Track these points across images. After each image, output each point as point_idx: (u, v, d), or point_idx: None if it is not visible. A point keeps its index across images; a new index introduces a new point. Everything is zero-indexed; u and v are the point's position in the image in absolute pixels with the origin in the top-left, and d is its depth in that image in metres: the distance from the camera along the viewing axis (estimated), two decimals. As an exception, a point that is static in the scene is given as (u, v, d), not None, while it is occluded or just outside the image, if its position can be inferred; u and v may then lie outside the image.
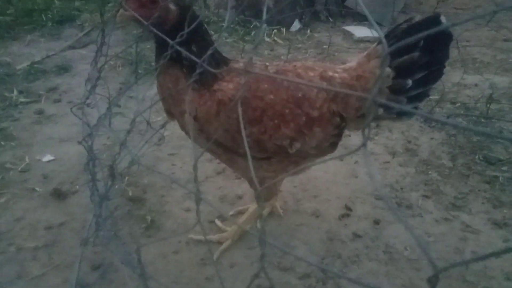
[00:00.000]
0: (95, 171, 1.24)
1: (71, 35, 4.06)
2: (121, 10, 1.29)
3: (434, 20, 1.35)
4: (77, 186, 2.10)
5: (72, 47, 3.85)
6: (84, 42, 3.94)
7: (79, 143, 1.28)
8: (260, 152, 1.46)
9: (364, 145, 0.58)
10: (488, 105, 2.57)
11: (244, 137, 0.83)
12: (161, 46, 1.38)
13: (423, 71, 1.41)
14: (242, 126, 0.83)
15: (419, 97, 1.47)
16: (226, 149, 1.46)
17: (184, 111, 1.42)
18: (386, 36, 1.44)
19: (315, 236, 1.83)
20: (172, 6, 1.33)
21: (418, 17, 1.41)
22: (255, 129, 1.40)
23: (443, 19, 1.34)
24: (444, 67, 1.43)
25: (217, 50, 1.47)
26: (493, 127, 2.53)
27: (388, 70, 1.43)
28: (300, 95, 1.44)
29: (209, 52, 0.99)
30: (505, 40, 3.87)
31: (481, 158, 2.28)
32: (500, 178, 2.13)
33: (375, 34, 4.06)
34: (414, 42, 1.35)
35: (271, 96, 1.40)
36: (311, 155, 1.54)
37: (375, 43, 1.54)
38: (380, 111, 1.49)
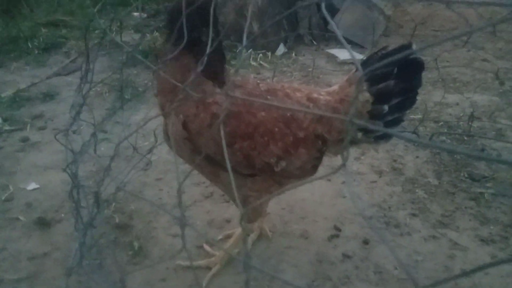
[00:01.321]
0: (80, 198, 1.22)
1: (57, 62, 4.07)
2: None
3: (406, 47, 1.44)
4: (62, 214, 2.06)
5: (57, 74, 3.84)
6: (70, 69, 3.94)
7: (63, 170, 1.27)
8: (247, 168, 1.47)
9: (343, 165, 0.59)
10: (470, 123, 2.63)
11: (226, 154, 0.83)
12: (178, 30, 1.24)
13: (399, 98, 1.49)
14: (224, 142, 0.84)
15: (395, 122, 1.54)
16: (212, 162, 1.46)
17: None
18: (364, 62, 1.54)
19: (304, 259, 1.82)
20: None
21: (392, 46, 1.51)
22: (246, 144, 1.42)
23: (414, 46, 1.43)
24: (417, 93, 1.52)
25: (224, 56, 1.51)
26: (475, 145, 2.58)
27: (367, 95, 1.50)
28: (289, 114, 1.48)
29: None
30: (483, 60, 4.00)
31: (465, 175, 2.31)
32: (485, 194, 2.16)
33: (358, 56, 4.16)
34: (391, 70, 1.45)
35: (263, 114, 1.44)
36: (294, 175, 1.56)
37: (354, 69, 1.61)
38: (359, 135, 1.55)
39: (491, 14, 4.98)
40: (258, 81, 1.58)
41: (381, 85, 1.48)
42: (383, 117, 1.52)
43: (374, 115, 1.52)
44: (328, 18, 0.61)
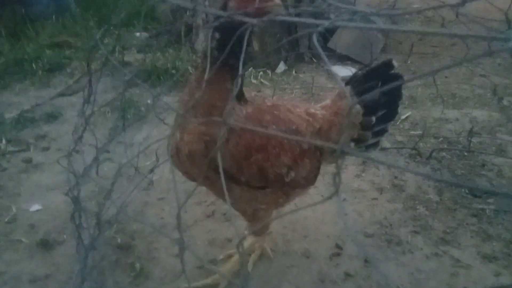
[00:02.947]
0: (82, 222, 1.23)
1: (61, 83, 4.13)
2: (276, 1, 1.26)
3: (387, 64, 1.62)
4: (65, 236, 2.07)
5: (61, 94, 3.90)
6: (74, 89, 4.00)
7: (65, 194, 1.29)
8: (261, 180, 1.53)
9: (336, 192, 0.60)
10: (469, 139, 2.65)
11: (221, 169, 0.86)
12: (222, 48, 1.32)
13: (384, 110, 1.67)
14: (220, 167, 0.87)
15: (381, 132, 1.72)
16: (226, 177, 1.47)
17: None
18: (351, 79, 1.71)
19: (306, 278, 1.81)
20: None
21: (375, 63, 1.72)
22: (260, 156, 1.48)
23: (395, 63, 1.60)
24: (398, 105, 1.70)
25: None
26: (476, 160, 2.59)
27: (358, 107, 1.66)
28: (294, 127, 1.57)
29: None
30: (481, 76, 4.03)
31: (466, 191, 2.31)
32: (487, 210, 2.16)
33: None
34: (375, 84, 1.63)
35: (274, 127, 1.52)
36: (300, 185, 1.65)
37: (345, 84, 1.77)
38: (352, 145, 1.71)
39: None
40: (265, 98, 1.67)
41: (368, 98, 1.64)
42: (372, 127, 1.68)
43: (364, 126, 1.68)
44: (321, 52, 0.63)
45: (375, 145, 1.75)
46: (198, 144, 1.43)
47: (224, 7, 1.37)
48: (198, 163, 1.47)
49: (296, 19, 0.75)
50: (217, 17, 1.08)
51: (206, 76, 1.30)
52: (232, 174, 1.48)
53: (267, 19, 0.84)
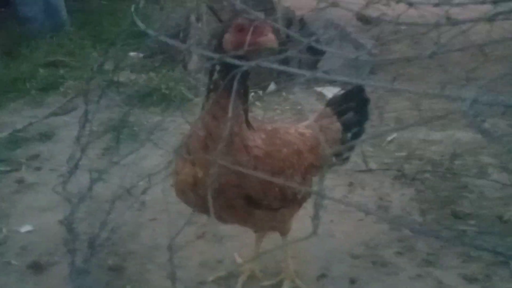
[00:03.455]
0: (76, 248, 1.28)
1: (55, 102, 4.18)
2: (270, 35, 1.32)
3: (360, 88, 2.00)
4: (56, 257, 2.09)
5: (55, 113, 3.94)
6: (68, 109, 4.05)
7: (60, 222, 1.33)
8: (281, 202, 1.62)
9: (314, 232, 0.67)
10: (451, 161, 2.74)
11: (210, 200, 0.93)
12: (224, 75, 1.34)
13: (357, 127, 2.00)
14: (210, 191, 0.95)
15: (352, 148, 2.05)
16: (249, 203, 1.54)
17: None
18: (331, 100, 2.09)
19: (294, 299, 1.86)
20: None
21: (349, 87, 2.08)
22: (281, 179, 1.57)
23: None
24: (365, 125, 2.05)
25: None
26: (458, 182, 2.68)
27: (338, 125, 1.95)
28: (296, 148, 1.69)
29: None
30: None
31: (449, 212, 2.39)
32: (468, 231, 2.24)
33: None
34: (351, 104, 1.99)
35: (285, 150, 1.62)
36: (305, 200, 1.78)
37: (325, 105, 2.09)
38: (333, 159, 1.95)
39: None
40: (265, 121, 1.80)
41: (345, 116, 1.99)
42: (347, 142, 1.97)
43: (343, 142, 1.96)
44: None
45: (347, 159, 2.07)
46: (229, 175, 1.43)
47: (221, 40, 1.43)
48: (228, 194, 1.49)
49: (281, 67, 0.83)
50: (211, 57, 1.14)
51: (230, 109, 1.31)
52: (256, 200, 1.54)
53: (254, 64, 0.92)
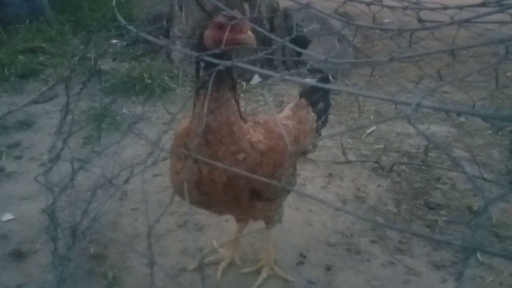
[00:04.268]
0: (57, 236, 1.31)
1: (35, 90, 4.12)
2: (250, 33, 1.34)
3: (326, 78, 2.34)
4: (38, 245, 2.11)
5: (35, 101, 3.89)
6: (48, 97, 4.00)
7: (44, 211, 1.36)
8: (279, 192, 1.70)
9: (279, 221, 0.72)
10: (426, 154, 2.85)
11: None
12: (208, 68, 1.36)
13: (324, 115, 2.23)
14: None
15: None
16: (253, 195, 1.59)
17: (236, 150, 1.47)
18: (303, 91, 2.22)
19: (272, 286, 1.93)
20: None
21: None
22: (280, 171, 1.64)
23: (330, 77, 2.05)
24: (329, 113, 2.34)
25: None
26: (432, 174, 2.79)
27: (313, 115, 2.12)
28: (283, 141, 1.71)
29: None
30: (443, 92, 4.30)
31: (422, 203, 2.50)
32: (439, 221, 2.35)
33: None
34: (320, 94, 2.17)
35: (281, 143, 1.66)
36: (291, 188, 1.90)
37: (299, 96, 2.19)
38: (310, 147, 2.21)
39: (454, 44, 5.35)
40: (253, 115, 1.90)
41: (318, 107, 2.17)
42: (320, 131, 2.21)
43: (317, 130, 2.16)
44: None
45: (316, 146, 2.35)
46: (237, 166, 1.46)
47: (201, 36, 1.45)
48: (236, 188, 1.51)
49: (256, 69, 0.87)
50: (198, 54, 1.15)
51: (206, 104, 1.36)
52: (260, 192, 1.60)
53: (230, 64, 0.96)
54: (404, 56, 1.05)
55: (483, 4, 1.20)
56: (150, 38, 1.23)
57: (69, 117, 1.57)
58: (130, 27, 1.28)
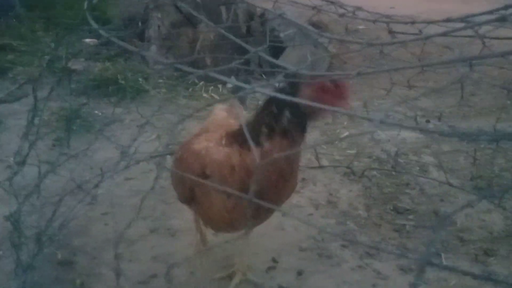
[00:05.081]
0: (21, 244, 1.27)
1: (2, 89, 3.98)
2: None
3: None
4: (1, 252, 2.04)
5: (3, 101, 3.76)
6: (17, 96, 3.87)
7: (6, 219, 1.32)
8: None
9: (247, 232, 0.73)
10: (395, 160, 2.93)
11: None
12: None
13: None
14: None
15: None
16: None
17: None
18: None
19: (243, 291, 1.94)
20: None
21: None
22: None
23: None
24: None
25: None
26: (402, 179, 2.87)
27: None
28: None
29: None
30: (414, 99, 4.43)
31: (391, 208, 2.57)
32: (407, 226, 2.41)
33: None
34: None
35: None
36: None
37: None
38: None
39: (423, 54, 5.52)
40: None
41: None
42: None
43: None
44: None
45: None
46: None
47: (296, 91, 1.43)
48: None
49: (229, 80, 0.87)
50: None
51: None
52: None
53: (202, 73, 0.96)
54: (371, 71, 1.08)
55: (447, 20, 1.25)
56: (121, 43, 1.22)
57: (37, 119, 1.53)
58: (102, 31, 1.27)
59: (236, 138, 1.54)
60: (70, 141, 3.00)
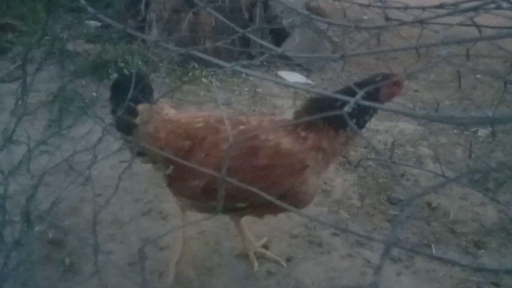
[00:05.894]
0: (6, 218, 1.27)
1: (1, 68, 3.97)
2: None
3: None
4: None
5: (2, 80, 3.75)
6: (16, 76, 3.86)
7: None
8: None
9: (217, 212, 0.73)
10: (392, 151, 2.91)
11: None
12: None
13: None
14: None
15: None
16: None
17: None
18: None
19: (233, 275, 1.95)
20: None
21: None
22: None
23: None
24: None
25: None
26: (397, 170, 2.86)
27: None
28: None
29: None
30: (414, 91, 4.39)
31: (385, 198, 2.56)
32: (400, 217, 2.41)
33: (306, 80, 4.42)
34: None
35: None
36: None
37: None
38: None
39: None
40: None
41: None
42: None
43: None
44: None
45: None
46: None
47: (377, 92, 1.61)
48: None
49: (212, 59, 0.86)
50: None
51: None
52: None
53: (184, 51, 0.94)
54: (356, 53, 1.06)
55: (440, 6, 1.22)
56: (109, 21, 1.20)
57: (26, 98, 1.52)
58: (89, 8, 1.25)
59: (310, 128, 1.65)
60: (62, 121, 3.00)
